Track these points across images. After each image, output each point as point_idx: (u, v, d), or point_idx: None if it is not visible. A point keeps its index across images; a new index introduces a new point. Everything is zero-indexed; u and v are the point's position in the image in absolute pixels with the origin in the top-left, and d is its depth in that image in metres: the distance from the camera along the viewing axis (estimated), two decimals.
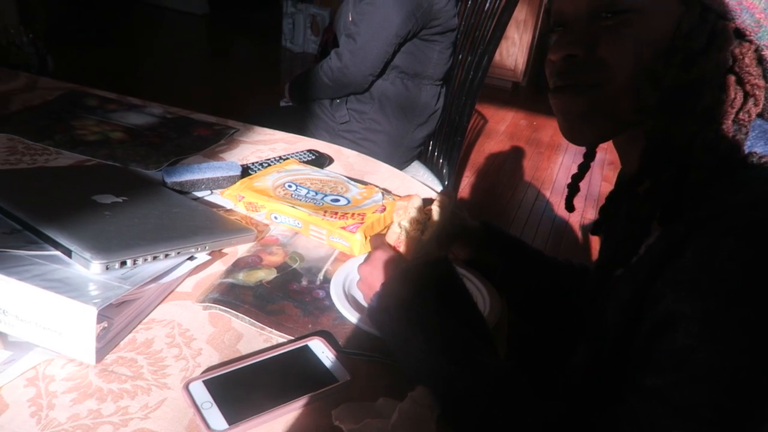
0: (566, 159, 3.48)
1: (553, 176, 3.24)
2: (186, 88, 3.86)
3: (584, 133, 0.64)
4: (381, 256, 0.69)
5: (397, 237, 0.72)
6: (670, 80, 0.55)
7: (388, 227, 0.76)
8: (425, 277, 0.65)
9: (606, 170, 3.37)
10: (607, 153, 3.64)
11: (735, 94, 0.54)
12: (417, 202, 0.75)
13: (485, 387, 0.57)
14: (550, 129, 3.91)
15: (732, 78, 0.54)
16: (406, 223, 0.73)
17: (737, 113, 0.54)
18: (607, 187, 3.13)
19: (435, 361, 0.60)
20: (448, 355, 0.60)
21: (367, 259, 0.71)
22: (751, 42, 0.54)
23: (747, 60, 0.54)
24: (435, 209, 0.75)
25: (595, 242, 2.61)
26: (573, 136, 0.64)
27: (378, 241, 0.74)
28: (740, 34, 0.55)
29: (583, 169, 0.77)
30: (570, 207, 0.80)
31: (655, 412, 0.47)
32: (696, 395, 0.46)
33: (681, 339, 0.47)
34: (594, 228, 0.78)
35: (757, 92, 0.54)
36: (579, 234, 2.69)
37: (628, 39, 0.57)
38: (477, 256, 0.87)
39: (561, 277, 0.88)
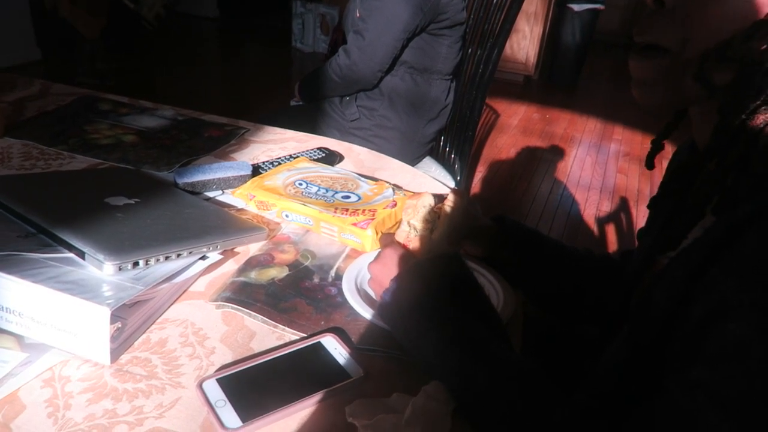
0: (580, 151, 3.46)
1: (567, 169, 3.21)
2: (198, 91, 3.90)
3: (648, 102, 0.61)
4: (391, 254, 0.69)
5: (407, 236, 0.72)
6: (745, 58, 0.52)
7: (398, 225, 0.76)
8: (437, 272, 0.65)
9: (621, 162, 3.34)
10: (621, 144, 3.60)
11: None
12: (426, 201, 0.74)
13: (507, 381, 0.56)
14: (563, 122, 3.88)
15: None
16: (415, 222, 0.72)
17: None
18: (623, 179, 3.10)
19: (450, 355, 0.59)
20: (464, 349, 0.59)
21: (377, 258, 0.71)
22: None
23: None
24: (445, 208, 0.74)
25: (611, 234, 2.58)
26: (639, 102, 0.62)
27: (388, 239, 0.74)
28: None
29: (669, 128, 0.72)
30: (650, 165, 0.75)
31: (700, 406, 0.44)
32: (747, 390, 0.43)
33: (736, 329, 0.44)
34: (651, 202, 0.75)
35: None
36: (595, 226, 2.66)
37: (718, 3, 0.53)
38: (491, 253, 0.86)
39: (582, 267, 0.87)
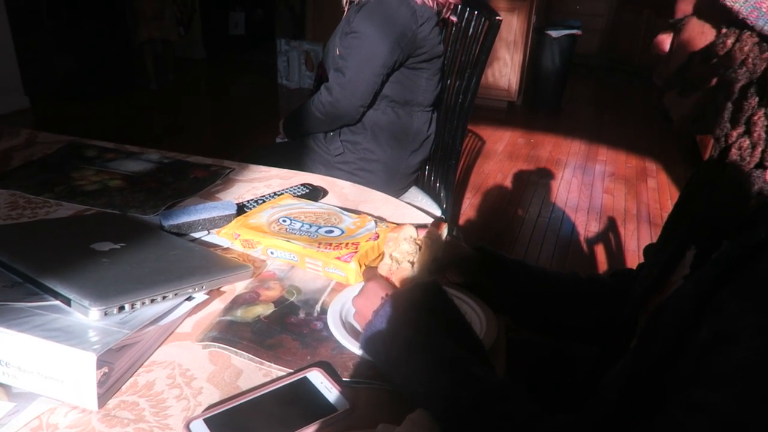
0: (566, 174, 3.50)
1: (555, 192, 3.25)
2: (187, 132, 3.93)
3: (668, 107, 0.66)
4: (373, 287, 0.70)
5: (389, 268, 0.73)
6: (699, 76, 0.58)
7: (381, 258, 0.77)
8: (415, 300, 0.66)
9: (607, 182, 3.39)
10: (606, 165, 3.65)
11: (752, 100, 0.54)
12: (407, 233, 0.76)
13: (490, 402, 0.57)
14: (548, 145, 3.94)
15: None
16: (397, 254, 0.74)
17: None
18: (609, 199, 3.14)
19: (433, 380, 0.60)
20: (446, 373, 0.60)
21: (360, 292, 0.72)
22: None
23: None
24: (425, 240, 0.76)
25: (601, 254, 2.60)
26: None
27: (370, 273, 0.75)
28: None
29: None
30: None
31: (701, 427, 0.45)
32: (751, 413, 0.43)
33: (741, 353, 0.45)
34: (668, 222, 0.76)
35: None
36: (585, 247, 2.68)
37: (682, 43, 0.60)
38: (474, 280, 0.87)
39: (568, 290, 0.88)
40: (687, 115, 0.63)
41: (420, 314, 0.65)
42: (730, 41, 0.55)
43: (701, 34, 0.58)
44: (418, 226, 0.79)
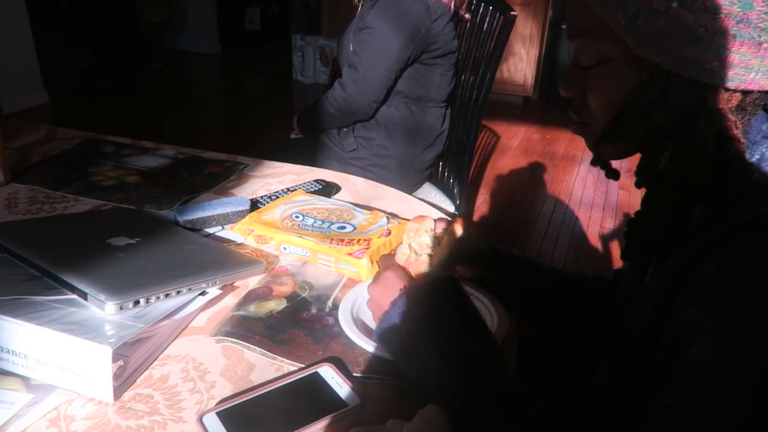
0: (582, 170, 3.47)
1: (569, 188, 3.23)
2: (202, 128, 3.96)
3: (607, 155, 0.67)
4: (390, 276, 0.71)
5: (407, 258, 0.74)
6: (631, 128, 0.58)
7: (397, 247, 0.78)
8: (435, 294, 0.66)
9: (622, 178, 3.34)
10: (622, 161, 3.61)
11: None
12: (428, 225, 0.76)
13: (502, 402, 0.57)
14: (563, 141, 3.90)
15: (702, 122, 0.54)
16: (416, 245, 0.74)
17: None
18: (625, 196, 3.11)
19: (448, 377, 0.61)
20: (461, 371, 0.60)
21: (375, 279, 0.73)
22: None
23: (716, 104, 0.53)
24: (448, 236, 0.76)
25: (616, 252, 2.58)
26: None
27: (387, 261, 0.75)
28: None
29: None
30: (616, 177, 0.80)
31: (671, 430, 0.46)
32: (713, 412, 0.44)
33: (699, 353, 0.46)
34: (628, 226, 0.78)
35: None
36: (599, 244, 2.66)
37: (601, 89, 0.60)
38: (484, 275, 0.88)
39: (574, 288, 0.89)
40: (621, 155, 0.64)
41: (437, 310, 0.65)
42: (657, 87, 0.54)
43: (618, 80, 0.58)
44: (437, 219, 0.79)
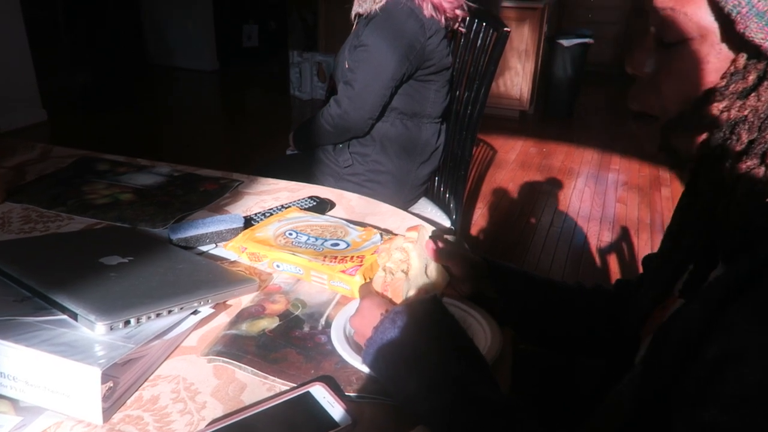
0: (579, 183, 3.48)
1: (567, 201, 3.23)
2: (200, 144, 3.98)
3: (670, 149, 0.61)
4: (367, 305, 0.70)
5: (383, 281, 0.73)
6: (711, 119, 0.53)
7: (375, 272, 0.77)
8: (415, 316, 0.66)
9: (620, 191, 3.36)
10: (620, 174, 3.63)
11: None
12: (398, 243, 0.76)
13: (491, 423, 0.57)
14: (560, 154, 3.92)
15: None
16: (390, 265, 0.74)
17: None
18: (622, 209, 3.12)
19: (435, 398, 0.60)
20: (446, 393, 0.60)
21: (357, 311, 0.72)
22: None
23: None
24: (406, 245, 0.75)
25: (614, 265, 2.58)
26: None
27: (365, 290, 0.75)
28: None
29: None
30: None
31: None
32: None
33: (751, 374, 0.44)
34: (668, 234, 0.72)
35: None
36: (597, 257, 2.66)
37: (682, 71, 0.54)
38: (478, 290, 0.87)
39: (572, 300, 0.87)
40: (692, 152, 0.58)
41: (420, 331, 0.64)
42: (752, 77, 0.50)
43: (704, 63, 0.52)
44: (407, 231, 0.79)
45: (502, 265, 0.88)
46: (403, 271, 0.73)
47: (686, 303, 0.57)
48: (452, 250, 0.83)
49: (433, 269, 0.79)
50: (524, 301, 0.85)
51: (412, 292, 0.74)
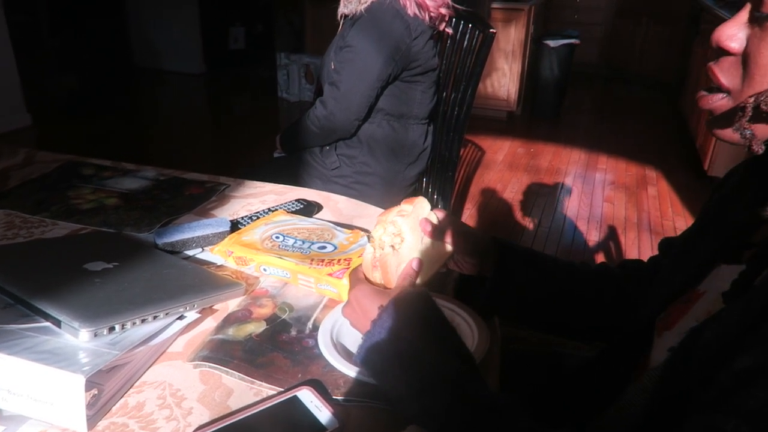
0: (566, 183, 3.50)
1: (554, 201, 3.25)
2: (187, 147, 3.95)
3: (717, 135, 0.58)
4: (358, 295, 0.70)
5: (373, 256, 0.72)
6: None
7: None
8: (408, 314, 0.65)
9: (607, 191, 3.38)
10: (606, 173, 3.65)
11: None
12: (392, 216, 0.74)
13: (484, 421, 0.57)
14: (548, 154, 3.93)
15: None
16: (386, 238, 0.72)
17: None
18: (609, 208, 3.14)
19: (428, 397, 0.60)
20: (439, 391, 0.60)
21: (347, 300, 0.72)
22: None
23: None
24: (397, 219, 0.73)
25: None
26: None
27: (354, 277, 0.74)
28: None
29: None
30: None
31: None
32: None
33: None
34: (701, 219, 0.69)
35: None
36: (585, 256, 2.67)
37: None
38: (481, 267, 0.83)
39: (579, 279, 0.85)
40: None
41: (412, 328, 0.64)
42: None
43: None
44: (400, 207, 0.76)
45: (508, 243, 0.84)
46: (392, 246, 0.71)
47: (727, 307, 0.54)
48: (454, 225, 0.79)
49: (430, 243, 0.76)
50: (527, 284, 0.82)
51: (402, 267, 0.72)
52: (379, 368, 0.65)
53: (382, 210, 1.16)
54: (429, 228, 0.75)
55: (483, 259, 0.83)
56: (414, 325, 0.65)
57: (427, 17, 1.54)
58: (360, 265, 0.76)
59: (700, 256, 0.65)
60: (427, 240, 0.75)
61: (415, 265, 0.72)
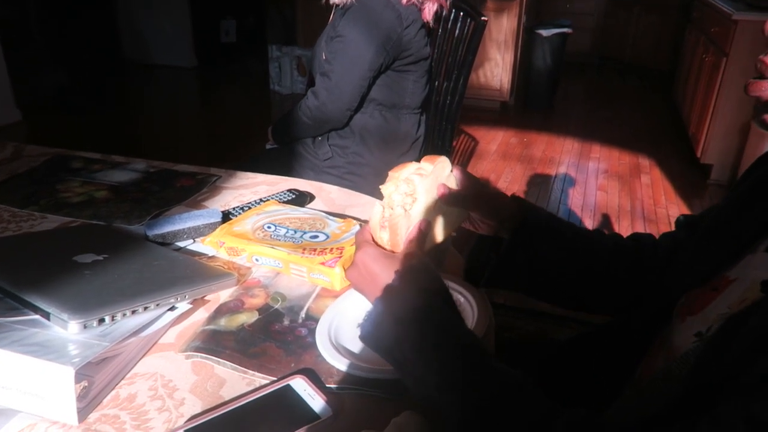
0: (560, 172, 3.50)
1: (548, 190, 3.25)
2: (179, 141, 3.93)
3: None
4: (365, 259, 0.66)
5: (381, 215, 0.67)
6: None
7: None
8: (419, 293, 0.62)
9: (600, 179, 3.38)
10: (600, 162, 3.65)
11: None
12: (407, 172, 0.69)
13: (508, 394, 0.55)
14: (541, 144, 3.93)
15: None
16: (396, 197, 0.67)
17: None
18: (603, 196, 3.14)
19: (447, 370, 0.57)
20: (460, 364, 0.58)
21: (353, 264, 0.68)
22: None
23: None
24: (414, 177, 0.68)
25: None
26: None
27: (360, 238, 0.70)
28: None
29: None
30: None
31: None
32: None
33: None
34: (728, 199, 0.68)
35: None
36: None
37: None
38: (498, 231, 0.81)
39: (595, 249, 0.83)
40: None
41: (426, 301, 0.61)
42: None
43: None
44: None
45: (532, 210, 0.81)
46: (403, 207, 0.67)
47: (756, 305, 0.52)
48: (475, 186, 0.76)
49: (444, 207, 0.72)
50: (545, 255, 0.80)
51: (413, 230, 0.68)
52: (385, 347, 0.61)
53: (376, 199, 1.16)
54: (446, 192, 0.71)
55: (502, 223, 0.80)
56: (425, 300, 0.61)
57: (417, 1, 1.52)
58: (367, 223, 0.71)
59: (731, 242, 0.62)
60: (442, 203, 0.71)
61: (423, 226, 0.68)
